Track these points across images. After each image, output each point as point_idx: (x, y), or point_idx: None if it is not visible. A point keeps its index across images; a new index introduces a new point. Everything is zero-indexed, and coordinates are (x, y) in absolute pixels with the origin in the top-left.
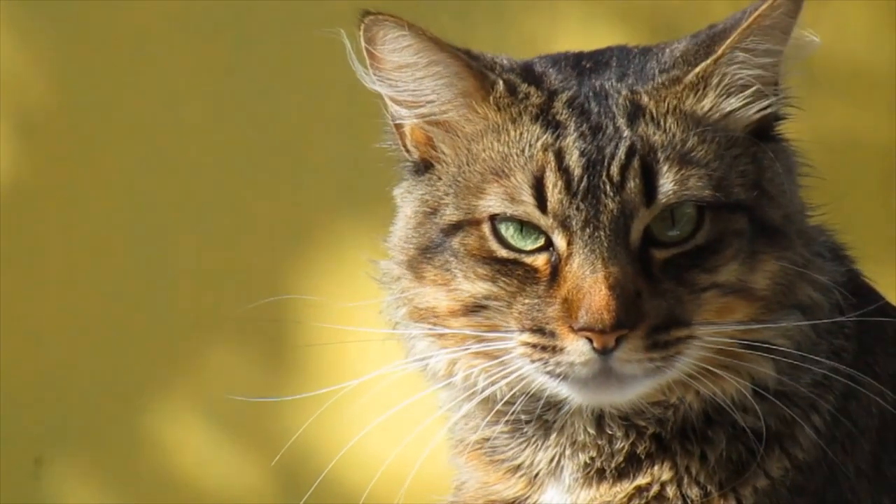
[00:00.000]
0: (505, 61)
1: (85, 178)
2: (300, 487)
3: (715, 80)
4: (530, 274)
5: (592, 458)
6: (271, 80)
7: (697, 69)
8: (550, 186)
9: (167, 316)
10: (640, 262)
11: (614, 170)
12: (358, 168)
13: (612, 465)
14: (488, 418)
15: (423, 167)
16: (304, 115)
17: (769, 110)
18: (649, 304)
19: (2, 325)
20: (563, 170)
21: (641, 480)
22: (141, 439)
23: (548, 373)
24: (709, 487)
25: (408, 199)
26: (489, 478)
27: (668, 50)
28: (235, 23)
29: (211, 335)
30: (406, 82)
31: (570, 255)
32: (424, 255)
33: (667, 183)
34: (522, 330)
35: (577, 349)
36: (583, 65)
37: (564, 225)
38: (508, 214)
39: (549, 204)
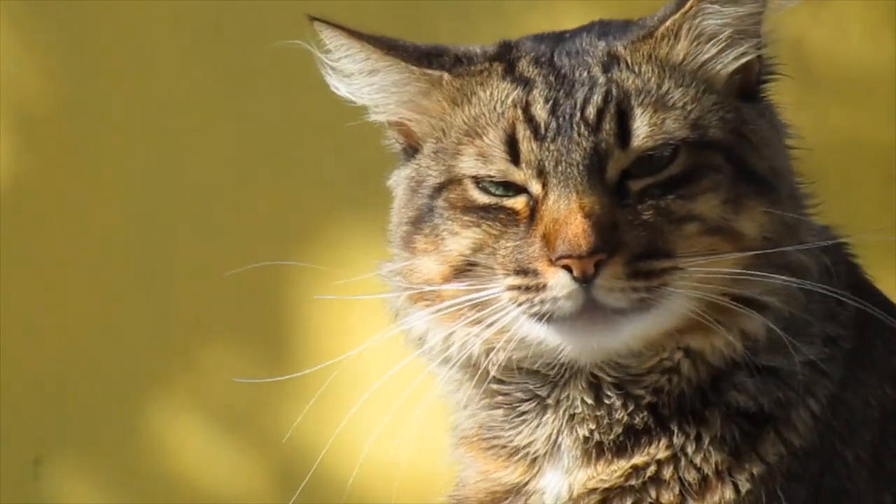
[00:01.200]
0: (478, 49)
1: (85, 177)
2: (299, 486)
3: (684, 31)
4: (511, 216)
5: (591, 431)
6: (271, 80)
7: (668, 22)
8: (521, 138)
9: (167, 315)
10: (617, 195)
11: (590, 112)
12: (358, 168)
13: (611, 437)
14: (484, 398)
15: (412, 151)
16: (305, 114)
17: (746, 59)
18: (628, 234)
19: (2, 325)
20: (530, 119)
21: (638, 459)
22: (140, 439)
23: (534, 315)
24: (705, 470)
25: (398, 184)
26: (489, 466)
27: (648, 17)
28: (235, 23)
29: (211, 335)
30: (362, 86)
31: (545, 195)
32: (415, 227)
33: (642, 126)
34: (507, 274)
35: (558, 282)
36: (564, 35)
37: (539, 170)
38: (482, 175)
39: (521, 155)
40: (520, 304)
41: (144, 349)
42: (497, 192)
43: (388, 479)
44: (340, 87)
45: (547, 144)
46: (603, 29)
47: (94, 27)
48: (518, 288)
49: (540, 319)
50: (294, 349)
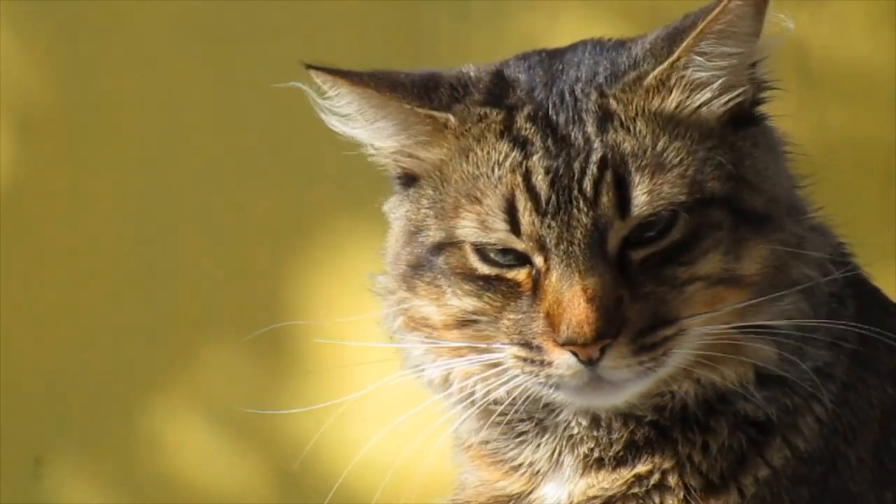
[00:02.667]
0: (472, 74)
1: (85, 177)
2: (299, 487)
3: (673, 82)
4: (513, 289)
5: (591, 449)
6: (271, 80)
7: (656, 72)
8: (521, 209)
9: (167, 316)
10: (618, 267)
11: (587, 185)
12: (359, 169)
13: (611, 453)
14: (485, 423)
15: (410, 180)
16: (305, 115)
17: (741, 98)
18: (631, 309)
19: (2, 325)
20: (530, 190)
21: (641, 468)
22: (141, 439)
23: (540, 384)
24: (710, 476)
25: (396, 215)
26: (491, 476)
27: (640, 43)
28: (235, 23)
29: (211, 336)
30: (359, 129)
31: (548, 269)
32: (415, 272)
33: (640, 195)
34: (511, 343)
35: (563, 362)
36: (555, 67)
37: (539, 244)
38: (482, 243)
39: (521, 227)
40: (525, 373)
41: (144, 349)
42: (498, 260)
43: (400, 484)
44: (338, 126)
45: (548, 221)
46: (594, 63)
47: (94, 27)
48: (523, 359)
49: (546, 386)
50: (295, 349)
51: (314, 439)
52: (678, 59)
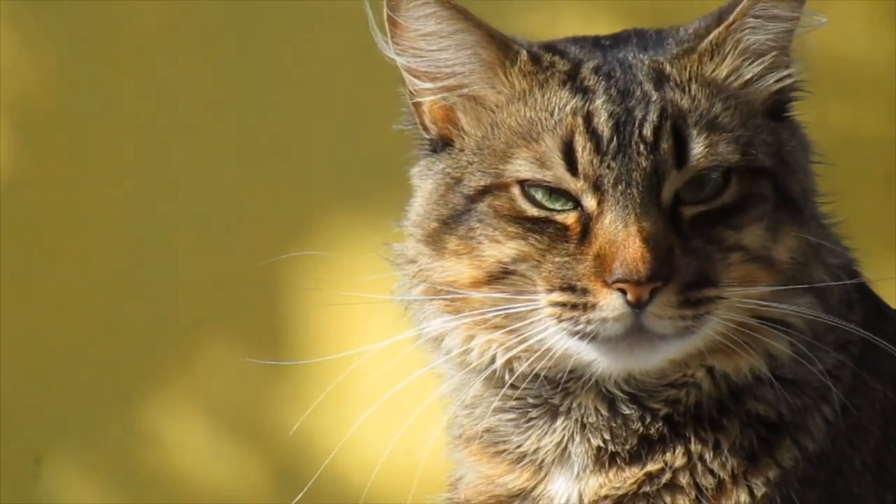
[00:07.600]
0: (524, 40)
1: (85, 177)
2: (300, 486)
3: (728, 46)
4: (561, 232)
5: (606, 441)
6: (271, 79)
7: (711, 36)
8: (580, 149)
9: (167, 314)
10: (671, 219)
11: (647, 131)
12: (357, 165)
13: (626, 447)
14: (495, 403)
15: (441, 144)
16: (304, 113)
17: (786, 82)
18: (682, 260)
19: (2, 325)
20: (591, 131)
21: (652, 467)
22: (140, 438)
23: (577, 332)
24: (721, 476)
25: (427, 176)
26: (493, 470)
27: (682, 28)
28: (235, 23)
29: (210, 333)
30: (429, 52)
31: (601, 213)
32: (447, 226)
33: (697, 147)
34: (551, 289)
35: (610, 304)
36: (602, 43)
37: (595, 185)
38: (537, 179)
39: (579, 166)
40: (561, 321)
41: (144, 349)
42: (547, 205)
43: (395, 479)
44: (403, 52)
45: (608, 161)
46: (641, 42)
47: (94, 27)
48: (563, 305)
49: (582, 338)
50: (295, 349)
51: (321, 398)
52: (734, 21)
